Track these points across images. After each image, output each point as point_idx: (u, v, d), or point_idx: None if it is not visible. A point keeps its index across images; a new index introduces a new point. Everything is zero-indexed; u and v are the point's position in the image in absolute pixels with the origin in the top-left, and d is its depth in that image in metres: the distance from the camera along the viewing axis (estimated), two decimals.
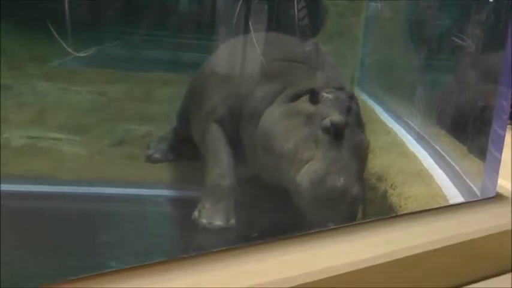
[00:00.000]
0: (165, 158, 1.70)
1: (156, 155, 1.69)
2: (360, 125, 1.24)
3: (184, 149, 1.71)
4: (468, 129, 1.38)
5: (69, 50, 1.17)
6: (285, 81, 1.33)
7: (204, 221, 1.28)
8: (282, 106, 1.29)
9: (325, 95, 1.23)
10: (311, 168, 1.13)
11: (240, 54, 1.48)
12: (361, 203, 1.13)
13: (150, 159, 1.69)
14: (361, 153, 1.20)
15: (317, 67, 1.40)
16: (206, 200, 1.31)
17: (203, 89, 1.51)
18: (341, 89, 1.27)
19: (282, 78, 1.35)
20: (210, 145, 1.41)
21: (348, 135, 1.17)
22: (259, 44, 1.47)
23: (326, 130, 1.16)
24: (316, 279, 0.75)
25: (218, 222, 1.28)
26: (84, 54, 1.28)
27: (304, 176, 1.13)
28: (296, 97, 1.28)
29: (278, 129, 1.24)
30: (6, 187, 1.32)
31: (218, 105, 1.40)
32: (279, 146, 1.21)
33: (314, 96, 1.24)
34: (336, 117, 1.17)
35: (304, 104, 1.26)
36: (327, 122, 1.16)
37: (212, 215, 1.28)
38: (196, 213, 1.30)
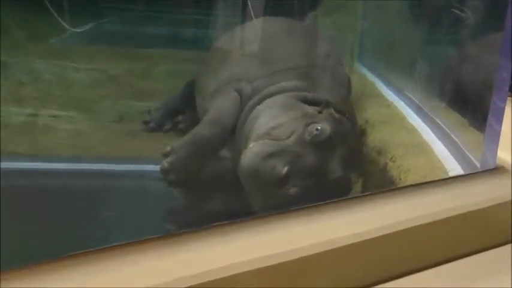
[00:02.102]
0: (160, 127, 1.70)
1: (152, 125, 1.70)
2: (346, 166, 1.21)
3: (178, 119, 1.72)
4: (469, 101, 1.38)
5: (66, 25, 1.17)
6: (308, 87, 1.35)
7: (165, 165, 1.27)
8: (289, 98, 1.29)
9: (334, 112, 1.24)
10: (266, 142, 1.13)
11: (273, 39, 1.49)
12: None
13: (146, 128, 1.69)
14: (331, 186, 1.16)
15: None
16: (181, 149, 1.30)
17: (228, 57, 1.52)
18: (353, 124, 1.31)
19: (307, 83, 1.36)
20: (218, 103, 1.39)
21: (327, 161, 1.16)
22: (291, 34, 1.48)
23: (309, 132, 1.15)
24: (316, 251, 0.75)
25: (172, 176, 1.28)
26: (81, 30, 1.27)
27: (256, 145, 1.13)
28: (309, 102, 1.29)
29: (271, 112, 1.25)
30: (6, 165, 1.32)
31: (245, 81, 1.40)
32: (260, 122, 1.22)
33: (324, 107, 1.24)
34: (326, 127, 1.16)
35: (309, 107, 1.26)
36: (314, 126, 1.16)
37: (175, 165, 1.28)
38: (169, 148, 1.30)
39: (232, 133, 1.34)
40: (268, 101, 1.30)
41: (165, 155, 1.29)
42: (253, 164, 1.10)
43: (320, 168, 1.14)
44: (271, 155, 1.10)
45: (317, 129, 1.14)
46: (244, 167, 1.11)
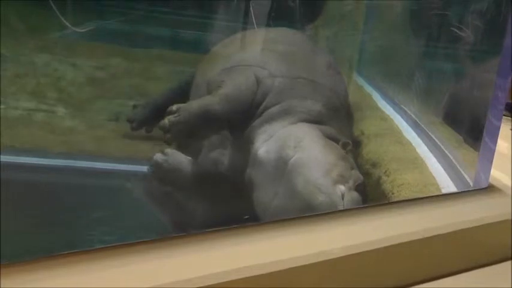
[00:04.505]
0: (143, 126, 1.67)
1: (134, 124, 1.66)
2: None
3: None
4: (464, 119, 1.38)
5: (68, 24, 1.17)
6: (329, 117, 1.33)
7: (166, 122, 1.24)
8: (318, 131, 1.26)
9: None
10: (357, 194, 1.11)
11: (295, 47, 1.48)
12: None
13: (131, 127, 1.67)
14: None
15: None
16: (186, 114, 1.25)
17: (244, 47, 1.50)
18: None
19: (329, 112, 1.33)
20: (236, 81, 1.33)
21: None
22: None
23: (354, 179, 1.15)
24: (308, 263, 0.76)
25: (168, 136, 1.24)
26: (83, 30, 1.27)
27: (351, 193, 1.10)
28: (330, 138, 1.27)
29: (317, 141, 1.22)
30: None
31: (267, 72, 1.34)
32: (315, 151, 1.19)
33: (345, 147, 1.24)
34: (361, 178, 1.17)
35: (336, 145, 1.25)
36: (356, 174, 1.17)
37: (174, 126, 1.23)
38: (174, 108, 1.26)
39: (240, 119, 1.30)
40: (303, 126, 1.27)
41: (169, 113, 1.25)
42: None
43: None
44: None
45: (359, 179, 1.15)
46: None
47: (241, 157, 1.30)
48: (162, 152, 1.35)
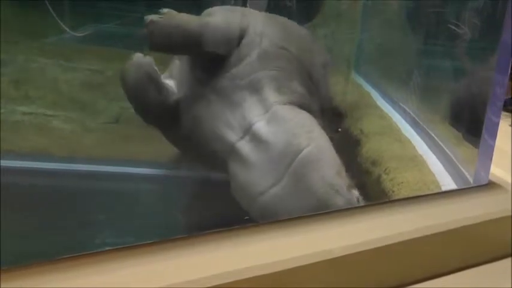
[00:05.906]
0: None
1: None
2: None
3: None
4: (463, 116, 1.39)
5: (66, 28, 1.16)
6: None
7: (148, 18, 1.19)
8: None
9: None
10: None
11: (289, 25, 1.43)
12: None
13: None
14: None
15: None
16: (167, 22, 1.21)
17: None
18: None
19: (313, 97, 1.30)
20: (224, 18, 1.27)
21: None
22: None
23: None
24: (309, 262, 0.76)
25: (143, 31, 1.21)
26: (81, 34, 1.26)
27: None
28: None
29: (323, 133, 1.16)
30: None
31: (258, 28, 1.28)
32: (327, 146, 1.13)
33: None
34: None
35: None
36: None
37: (154, 25, 1.19)
38: (166, 10, 1.22)
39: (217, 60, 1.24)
40: (300, 111, 1.21)
41: (159, 12, 1.21)
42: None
43: None
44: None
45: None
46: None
47: (205, 104, 1.25)
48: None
